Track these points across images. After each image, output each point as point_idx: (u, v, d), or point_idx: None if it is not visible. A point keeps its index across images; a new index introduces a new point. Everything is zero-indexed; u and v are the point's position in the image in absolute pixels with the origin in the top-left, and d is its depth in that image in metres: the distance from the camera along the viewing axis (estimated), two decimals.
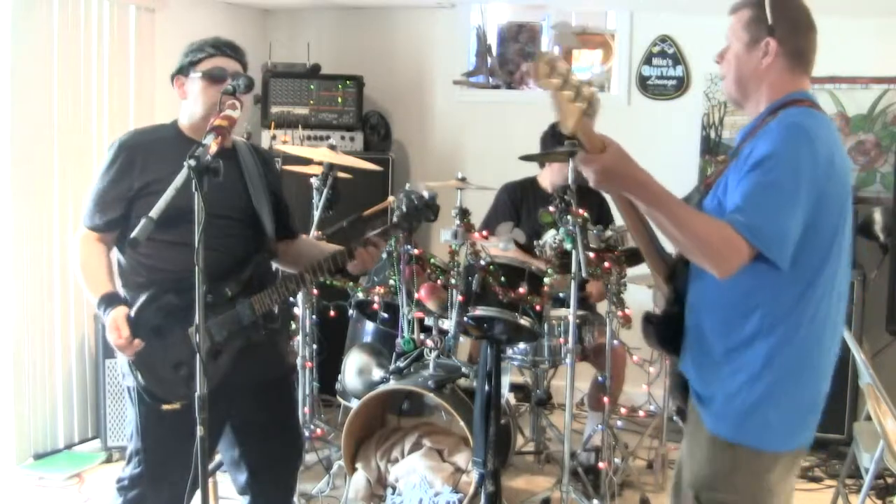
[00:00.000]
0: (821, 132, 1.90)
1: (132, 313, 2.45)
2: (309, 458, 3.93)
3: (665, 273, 2.14)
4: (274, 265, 2.84)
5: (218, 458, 2.89)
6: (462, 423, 3.33)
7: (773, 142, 1.86)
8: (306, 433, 3.88)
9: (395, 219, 2.80)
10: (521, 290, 3.35)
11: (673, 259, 2.14)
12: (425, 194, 2.76)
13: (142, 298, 2.47)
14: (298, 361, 3.90)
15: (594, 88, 1.83)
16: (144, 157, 2.52)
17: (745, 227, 1.81)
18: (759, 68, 1.99)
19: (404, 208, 2.76)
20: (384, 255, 3.57)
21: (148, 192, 2.44)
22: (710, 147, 5.04)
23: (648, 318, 2.14)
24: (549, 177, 4.28)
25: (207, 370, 2.37)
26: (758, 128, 1.97)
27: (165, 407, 2.42)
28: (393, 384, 3.54)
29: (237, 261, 2.56)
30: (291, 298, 3.49)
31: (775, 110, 1.97)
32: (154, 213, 2.01)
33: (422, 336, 3.50)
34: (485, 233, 3.55)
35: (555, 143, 4.14)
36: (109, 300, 2.46)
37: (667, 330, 2.09)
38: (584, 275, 3.34)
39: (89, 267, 2.54)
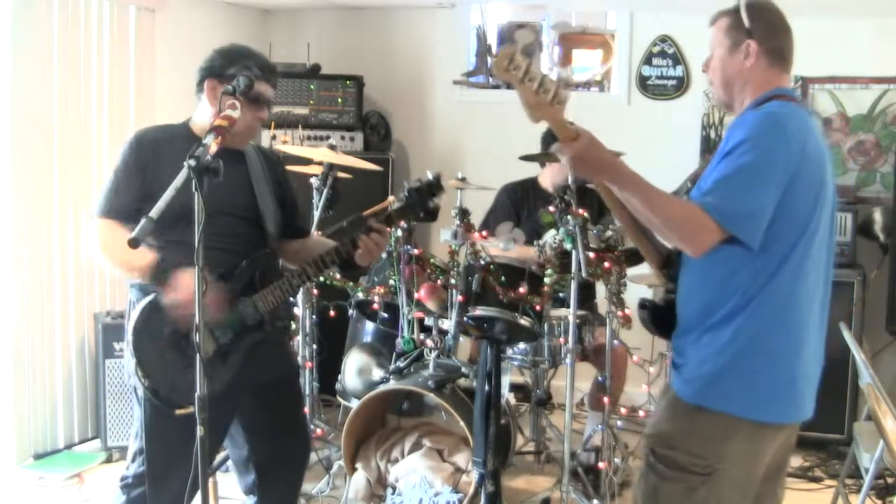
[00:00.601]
0: (794, 121, 2.01)
1: (137, 317, 2.44)
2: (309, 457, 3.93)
3: (658, 262, 2.24)
4: (282, 263, 2.83)
5: (219, 457, 2.89)
6: (462, 423, 3.33)
7: (746, 129, 1.98)
8: None
9: (402, 200, 2.72)
10: (521, 290, 3.35)
11: (667, 248, 2.23)
12: (429, 174, 2.73)
13: (145, 301, 2.46)
14: (298, 361, 3.91)
15: (561, 82, 1.92)
16: (158, 155, 2.51)
17: (713, 208, 1.92)
18: (743, 69, 2.11)
19: (413, 186, 2.71)
20: (384, 256, 3.57)
21: (160, 190, 2.42)
22: (710, 147, 5.03)
23: (643, 304, 2.28)
24: (549, 177, 4.28)
25: (217, 372, 2.38)
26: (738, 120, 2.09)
27: (179, 412, 2.38)
28: (393, 384, 3.54)
29: (241, 259, 2.56)
30: (292, 298, 3.49)
31: (758, 105, 2.07)
32: (154, 212, 2.01)
33: (422, 336, 3.50)
34: (485, 233, 3.55)
35: (555, 142, 4.14)
36: (159, 271, 2.38)
37: (661, 314, 2.20)
38: (584, 275, 3.34)
39: (115, 244, 2.40)
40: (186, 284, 2.32)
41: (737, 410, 2.02)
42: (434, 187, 2.67)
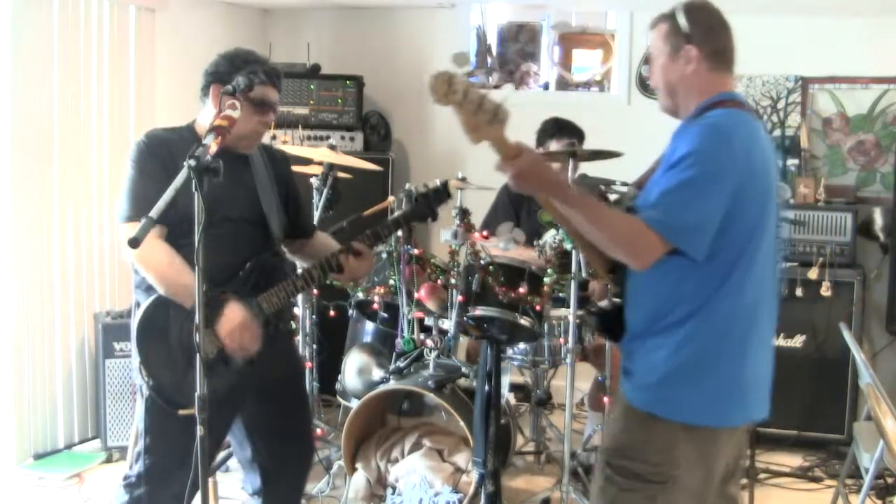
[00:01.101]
0: (738, 130, 2.00)
1: (140, 316, 2.44)
2: None
3: (605, 267, 2.23)
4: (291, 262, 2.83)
5: (219, 457, 2.89)
6: (462, 423, 3.33)
7: (691, 142, 1.98)
8: None
9: (412, 205, 2.75)
10: (521, 290, 3.35)
11: None
12: (437, 181, 2.76)
13: (149, 300, 2.46)
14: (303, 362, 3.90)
15: (499, 101, 1.93)
16: (173, 156, 2.50)
17: (656, 222, 1.93)
18: (685, 75, 2.10)
19: (421, 192, 2.73)
20: (384, 255, 3.57)
21: (178, 197, 2.41)
22: None
23: (591, 311, 2.28)
24: None
25: (220, 372, 2.38)
26: (684, 129, 2.08)
27: (182, 412, 2.37)
28: (393, 384, 3.54)
29: (243, 262, 2.56)
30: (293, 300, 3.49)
31: (702, 112, 2.07)
32: (154, 212, 2.01)
33: (422, 336, 3.50)
34: (485, 233, 3.55)
35: (546, 138, 4.16)
36: (211, 302, 2.35)
37: (609, 320, 2.20)
38: (584, 275, 3.34)
39: (166, 267, 2.42)
40: (235, 316, 2.37)
41: (687, 417, 2.03)
42: (441, 194, 2.71)
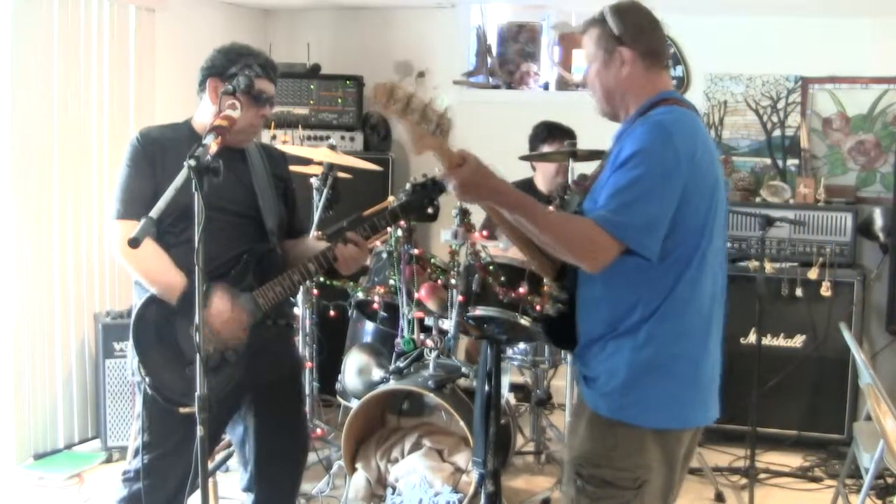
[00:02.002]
0: (682, 128, 1.99)
1: (136, 314, 2.44)
2: (309, 457, 3.90)
3: (552, 273, 2.20)
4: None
5: (219, 457, 2.89)
6: (462, 423, 3.33)
7: (637, 141, 1.96)
8: None
9: (407, 193, 2.71)
10: (521, 290, 3.35)
11: (561, 260, 2.17)
12: (435, 170, 2.72)
13: (144, 298, 2.47)
14: (301, 359, 3.90)
15: (442, 109, 1.90)
16: (164, 153, 2.51)
17: (608, 223, 1.91)
18: (621, 77, 2.09)
19: (417, 182, 2.70)
20: (384, 255, 3.57)
21: (165, 188, 2.41)
22: None
23: (537, 318, 2.23)
24: (540, 178, 4.30)
25: (219, 371, 2.38)
26: (629, 128, 2.06)
27: (182, 410, 2.37)
28: (393, 384, 3.54)
29: (238, 256, 2.56)
30: (292, 299, 3.49)
31: (644, 111, 2.05)
32: (154, 212, 2.01)
33: (422, 336, 3.50)
34: (485, 233, 3.55)
35: (538, 143, 4.18)
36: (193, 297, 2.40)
37: (558, 327, 2.17)
38: None
39: (151, 263, 2.45)
40: (219, 311, 2.37)
41: (653, 422, 2.02)
42: (438, 185, 2.67)
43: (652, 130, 1.97)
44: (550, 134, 4.17)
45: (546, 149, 4.11)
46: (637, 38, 2.07)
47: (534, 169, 4.36)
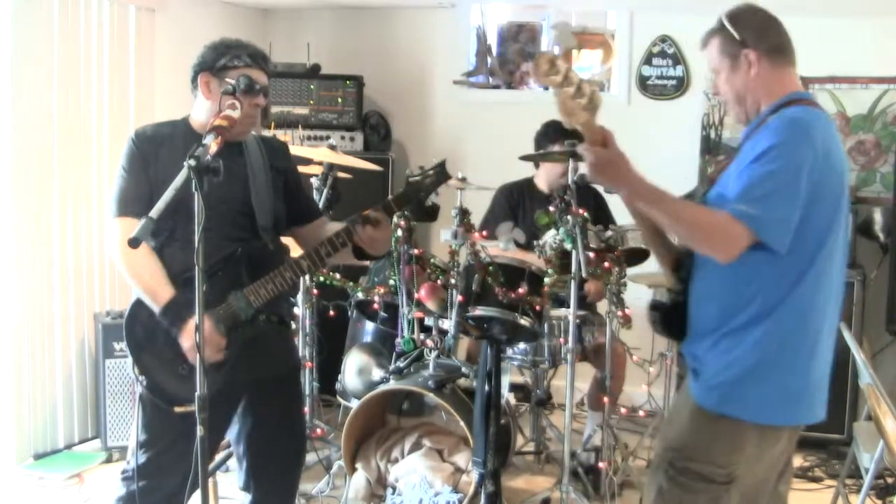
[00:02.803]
0: (819, 128, 2.01)
1: (128, 315, 2.44)
2: (309, 458, 3.91)
3: (671, 263, 2.23)
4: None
5: (218, 458, 2.89)
6: (462, 423, 3.33)
7: (773, 135, 1.98)
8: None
9: (412, 175, 2.65)
10: (521, 290, 3.35)
11: (678, 250, 2.23)
12: (435, 160, 2.70)
13: (135, 299, 2.47)
14: (299, 357, 3.89)
15: (595, 85, 1.95)
16: (158, 150, 2.51)
17: (743, 215, 1.93)
18: (750, 80, 2.10)
19: (421, 168, 2.67)
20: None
21: (162, 185, 2.40)
22: (710, 147, 5.04)
23: (654, 306, 2.28)
24: (544, 177, 4.29)
25: (210, 369, 2.37)
26: (760, 125, 2.07)
27: (178, 409, 2.38)
28: (393, 384, 3.54)
29: (230, 253, 2.53)
30: (292, 298, 3.48)
31: (777, 108, 2.07)
32: (154, 212, 2.00)
33: (422, 336, 3.50)
34: (485, 232, 3.55)
35: (547, 142, 4.16)
36: (176, 309, 2.39)
37: (671, 316, 2.20)
38: (584, 275, 3.34)
39: (143, 267, 2.45)
40: (191, 333, 2.30)
41: (758, 417, 2.03)
42: (440, 173, 2.63)
43: (790, 126, 1.99)
44: (561, 133, 4.14)
45: (555, 148, 4.09)
46: (759, 37, 2.10)
47: (536, 167, 4.35)
